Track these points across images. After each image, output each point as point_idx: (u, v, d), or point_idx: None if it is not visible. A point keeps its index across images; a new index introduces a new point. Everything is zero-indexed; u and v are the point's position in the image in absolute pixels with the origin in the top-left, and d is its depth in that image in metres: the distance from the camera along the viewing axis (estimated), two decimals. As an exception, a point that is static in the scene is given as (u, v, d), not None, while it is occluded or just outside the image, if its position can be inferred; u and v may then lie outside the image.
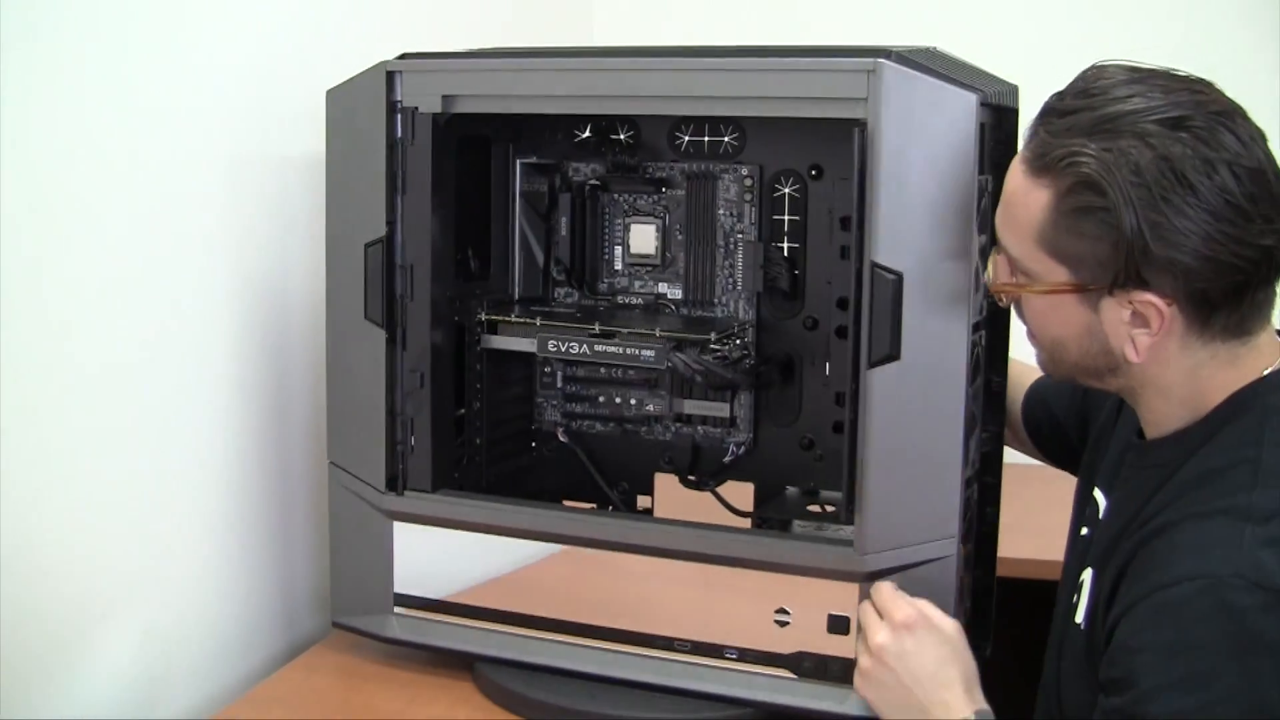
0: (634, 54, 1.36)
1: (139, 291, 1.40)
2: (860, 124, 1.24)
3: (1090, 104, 1.08)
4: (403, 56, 1.42)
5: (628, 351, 1.43)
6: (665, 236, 1.53)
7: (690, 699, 1.38)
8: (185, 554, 1.50)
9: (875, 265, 1.24)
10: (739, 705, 1.36)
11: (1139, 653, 1.05)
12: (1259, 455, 1.09)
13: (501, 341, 1.51)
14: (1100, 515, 1.24)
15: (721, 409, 1.51)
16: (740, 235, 1.50)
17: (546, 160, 1.56)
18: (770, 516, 1.47)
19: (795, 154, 1.46)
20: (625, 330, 1.44)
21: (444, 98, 1.40)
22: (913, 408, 1.26)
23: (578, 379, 1.58)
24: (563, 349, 1.46)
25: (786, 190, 1.47)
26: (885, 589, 1.26)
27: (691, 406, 1.53)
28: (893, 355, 1.25)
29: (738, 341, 1.47)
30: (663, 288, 1.54)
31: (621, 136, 1.51)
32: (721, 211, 1.50)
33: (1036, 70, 1.28)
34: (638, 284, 1.55)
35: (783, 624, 1.35)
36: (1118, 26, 2.06)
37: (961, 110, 1.22)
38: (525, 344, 1.49)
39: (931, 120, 1.23)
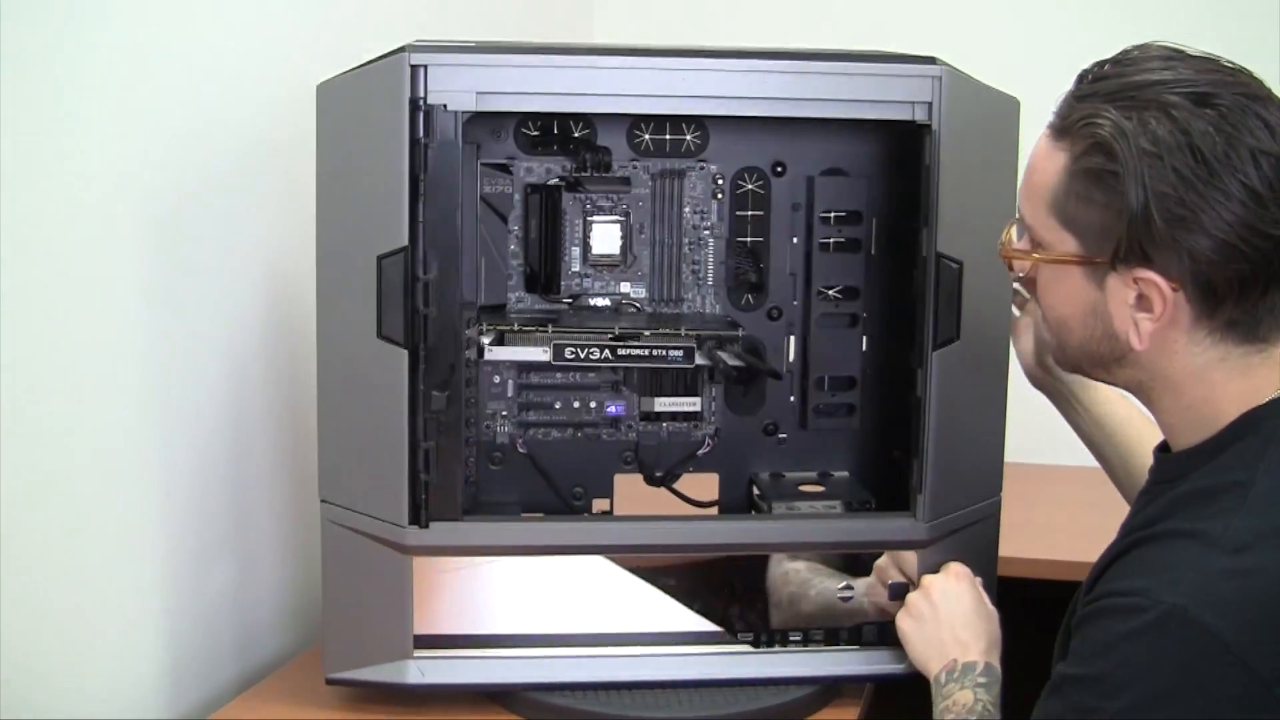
0: (684, 54, 1.35)
1: (89, 302, 1.28)
2: (926, 126, 1.34)
3: (1121, 71, 1.07)
4: (413, 48, 1.30)
5: (654, 353, 1.42)
6: (628, 235, 1.52)
7: (752, 687, 1.41)
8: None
9: (941, 255, 1.35)
10: (808, 684, 1.41)
11: (1080, 642, 1.07)
12: (1251, 479, 1.05)
13: (507, 352, 1.43)
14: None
15: (694, 403, 1.54)
16: (707, 231, 1.53)
17: (501, 160, 1.48)
18: (774, 501, 1.52)
19: (757, 151, 1.52)
20: (648, 331, 1.43)
21: (478, 95, 1.30)
22: (968, 383, 1.39)
23: (531, 386, 1.52)
24: (582, 355, 1.41)
25: (750, 186, 1.52)
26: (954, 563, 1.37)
27: (663, 404, 1.53)
28: (954, 337, 1.37)
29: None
30: (625, 287, 1.53)
31: (576, 134, 1.48)
32: (688, 209, 1.52)
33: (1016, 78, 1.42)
34: (598, 285, 1.53)
35: (847, 599, 1.42)
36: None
37: (1007, 112, 1.37)
38: (535, 353, 1.42)
39: (983, 122, 1.36)
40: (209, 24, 1.44)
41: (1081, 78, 1.10)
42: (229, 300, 1.50)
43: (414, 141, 1.29)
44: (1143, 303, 1.07)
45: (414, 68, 1.28)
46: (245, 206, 1.50)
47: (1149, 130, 1.03)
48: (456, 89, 1.30)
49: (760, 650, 1.42)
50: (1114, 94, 1.05)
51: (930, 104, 1.34)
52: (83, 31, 1.26)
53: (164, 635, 1.43)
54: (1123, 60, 1.08)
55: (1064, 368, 1.22)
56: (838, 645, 1.43)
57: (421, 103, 1.29)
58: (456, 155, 1.31)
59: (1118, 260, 1.06)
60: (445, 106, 1.29)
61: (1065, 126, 1.08)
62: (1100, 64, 1.10)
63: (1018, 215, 1.16)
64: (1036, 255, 1.13)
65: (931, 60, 1.35)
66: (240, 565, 1.55)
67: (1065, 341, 1.15)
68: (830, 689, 1.42)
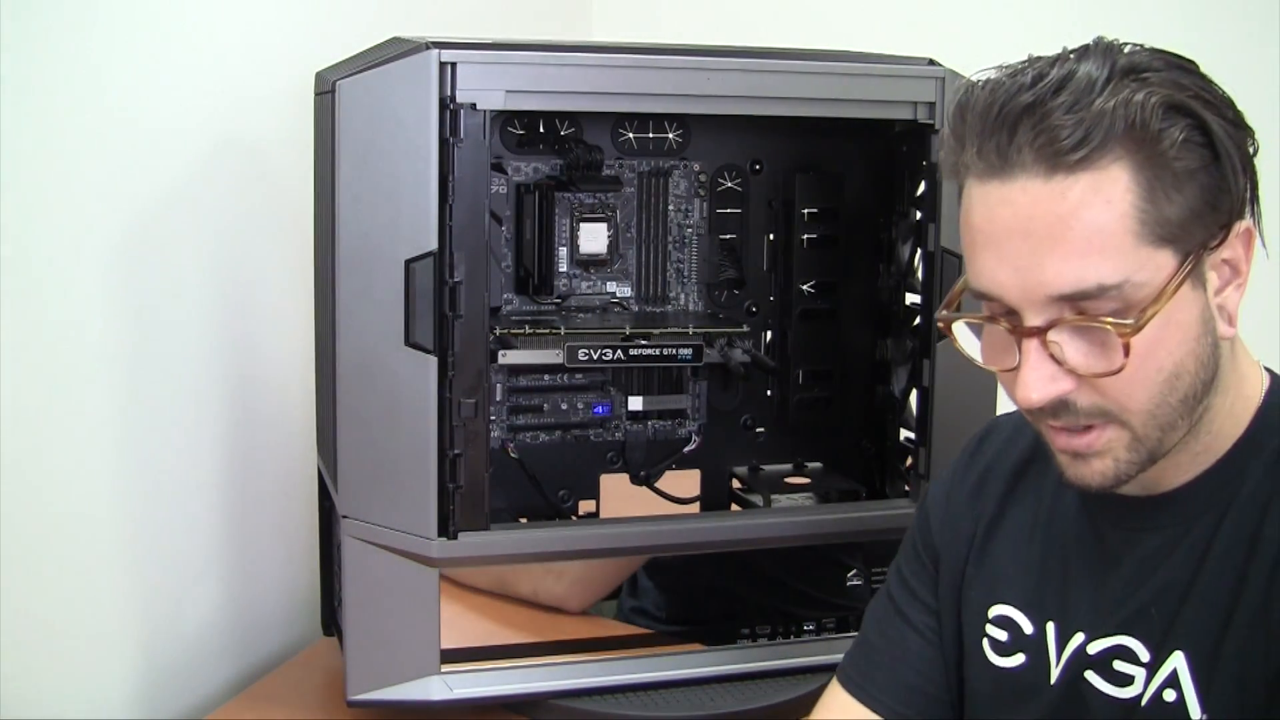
0: (703, 53, 1.34)
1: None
2: (929, 126, 1.39)
3: (1072, 72, 0.86)
4: (438, 46, 1.25)
5: (665, 352, 1.42)
6: (615, 235, 1.51)
7: (773, 679, 1.43)
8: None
9: (945, 251, 1.40)
10: (825, 671, 1.44)
11: None
12: None
13: (520, 356, 1.40)
14: (1085, 613, 1.00)
15: (680, 401, 1.54)
16: (690, 230, 1.53)
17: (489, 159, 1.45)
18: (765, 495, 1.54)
19: (736, 149, 1.53)
20: (657, 331, 1.42)
21: (507, 93, 1.27)
22: (964, 371, 1.44)
23: (520, 389, 1.50)
24: (595, 356, 1.40)
25: (729, 184, 1.54)
26: None
27: (650, 402, 1.53)
28: (955, 328, 1.42)
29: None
30: (611, 287, 1.52)
31: (563, 133, 1.47)
32: (671, 207, 1.52)
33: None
34: (585, 285, 1.51)
35: (854, 585, 1.46)
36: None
37: (998, 113, 1.42)
38: (548, 356, 1.40)
39: (977, 121, 1.41)
40: (186, 23, 1.37)
41: (1026, 109, 0.85)
42: (214, 302, 1.44)
43: (442, 141, 1.25)
44: (1229, 271, 0.90)
45: (443, 65, 1.24)
46: (240, 202, 1.43)
47: (1172, 80, 0.86)
48: (486, 87, 1.26)
49: (777, 642, 1.45)
50: (1106, 84, 0.85)
51: (933, 104, 1.38)
52: (66, 31, 1.22)
53: (162, 634, 1.41)
54: (1047, 76, 0.86)
55: (1145, 467, 0.92)
56: (849, 632, 1.46)
57: (451, 101, 1.25)
58: (486, 156, 1.27)
59: (1226, 228, 0.88)
60: (474, 105, 1.26)
61: (1099, 141, 0.84)
62: (1010, 93, 0.87)
63: (1027, 328, 0.89)
64: (1156, 308, 0.86)
65: (931, 62, 1.39)
66: (238, 566, 1.50)
67: (1169, 402, 0.90)
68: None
